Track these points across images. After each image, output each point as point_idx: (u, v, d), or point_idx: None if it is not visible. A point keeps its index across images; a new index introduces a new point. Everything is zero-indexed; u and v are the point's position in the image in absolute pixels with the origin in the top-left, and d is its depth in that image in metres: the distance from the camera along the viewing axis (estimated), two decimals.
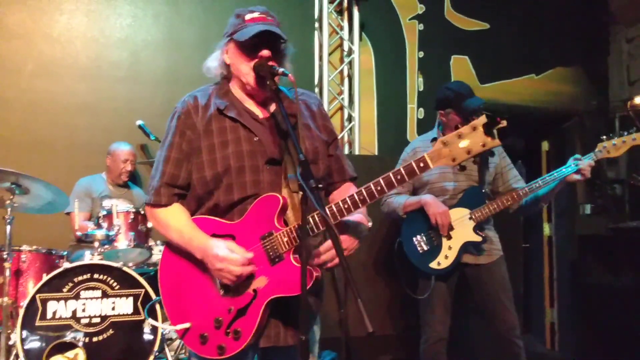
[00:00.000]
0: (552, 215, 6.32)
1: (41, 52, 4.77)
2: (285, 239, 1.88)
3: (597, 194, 5.82)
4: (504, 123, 3.33)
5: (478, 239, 3.38)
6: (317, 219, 1.87)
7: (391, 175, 1.83)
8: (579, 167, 3.27)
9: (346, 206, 1.86)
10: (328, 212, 1.82)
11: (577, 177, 3.29)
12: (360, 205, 1.87)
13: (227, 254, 1.86)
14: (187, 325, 1.94)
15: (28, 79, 4.72)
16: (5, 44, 4.69)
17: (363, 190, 1.85)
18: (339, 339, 3.38)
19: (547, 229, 6.34)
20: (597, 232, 5.69)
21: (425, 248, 3.45)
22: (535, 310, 6.33)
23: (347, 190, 2.12)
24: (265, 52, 1.95)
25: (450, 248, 3.40)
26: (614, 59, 6.30)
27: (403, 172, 1.82)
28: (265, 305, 1.87)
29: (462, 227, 3.38)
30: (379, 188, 1.84)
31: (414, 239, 3.48)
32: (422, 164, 1.80)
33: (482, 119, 1.73)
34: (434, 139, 3.59)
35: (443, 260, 3.40)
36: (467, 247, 3.41)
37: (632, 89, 6.08)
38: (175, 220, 1.99)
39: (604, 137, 3.28)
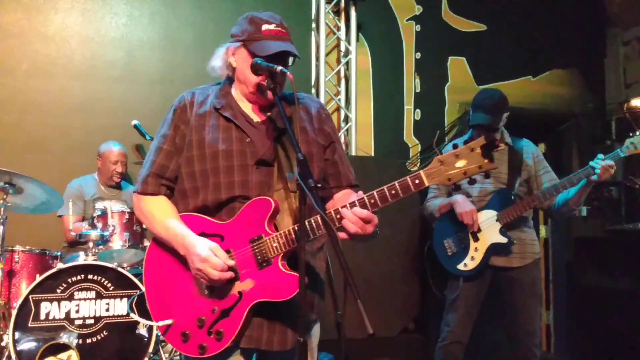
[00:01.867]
0: (548, 218, 6.32)
1: (36, 51, 4.74)
2: (274, 244, 1.85)
3: (593, 196, 5.79)
4: (502, 146, 3.40)
5: (504, 240, 3.40)
6: (313, 223, 1.82)
7: (385, 189, 1.79)
8: (596, 167, 3.18)
9: (338, 216, 1.79)
10: (326, 212, 1.77)
11: (594, 177, 3.20)
12: None
13: (209, 256, 1.83)
14: (169, 321, 1.93)
15: (23, 78, 4.69)
16: None
17: (356, 202, 1.79)
18: (336, 341, 3.35)
19: (543, 231, 6.33)
20: (593, 235, 5.68)
21: (454, 250, 3.51)
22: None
23: (345, 198, 2.05)
24: (278, 69, 1.90)
25: (476, 250, 3.43)
26: (610, 61, 6.30)
27: (398, 187, 1.78)
28: (250, 308, 1.86)
29: (489, 229, 3.42)
30: (372, 201, 1.79)
31: (444, 241, 3.56)
32: (417, 181, 1.77)
33: (480, 141, 1.72)
34: (466, 142, 3.56)
35: (469, 262, 3.44)
36: (495, 249, 3.42)
37: (628, 91, 6.08)
38: (161, 213, 1.98)
39: (636, 134, 3.19)
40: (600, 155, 3.23)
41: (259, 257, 1.87)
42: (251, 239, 1.88)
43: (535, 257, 3.52)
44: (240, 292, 1.87)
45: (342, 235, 1.77)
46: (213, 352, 1.87)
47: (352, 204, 1.78)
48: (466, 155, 1.72)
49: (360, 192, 1.82)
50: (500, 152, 3.54)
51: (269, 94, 1.91)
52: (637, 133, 3.22)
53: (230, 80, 2.10)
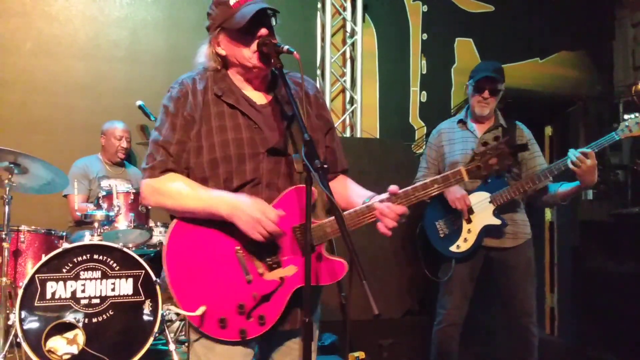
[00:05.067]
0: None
1: (40, 31, 4.72)
2: (321, 233, 1.87)
3: (600, 179, 5.76)
4: (530, 147, 3.52)
5: (497, 222, 3.39)
6: (334, 226, 1.86)
7: (429, 182, 1.96)
8: (572, 158, 3.14)
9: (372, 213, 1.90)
10: (334, 196, 1.74)
11: (574, 168, 3.16)
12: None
13: (265, 205, 1.80)
14: (203, 309, 1.86)
15: (26, 58, 4.68)
16: (3, 22, 4.63)
17: (402, 193, 1.91)
18: (340, 322, 3.38)
19: (548, 215, 6.32)
20: (599, 218, 5.66)
21: (446, 232, 3.51)
22: (535, 295, 6.33)
23: (344, 184, 2.14)
24: (263, 31, 1.90)
25: (469, 231, 3.42)
26: (619, 43, 6.24)
27: (440, 181, 1.96)
28: (292, 293, 1.87)
29: (482, 211, 3.40)
30: (416, 194, 1.92)
31: (436, 223, 3.55)
32: (458, 177, 1.95)
33: (510, 141, 1.97)
34: (460, 121, 3.62)
35: (462, 244, 3.44)
36: (488, 231, 3.41)
37: (637, 74, 6.02)
38: (185, 185, 1.87)
39: (628, 115, 3.18)
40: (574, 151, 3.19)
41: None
42: (294, 226, 1.88)
43: (527, 237, 3.51)
44: (282, 278, 1.87)
45: (382, 229, 1.89)
46: (254, 335, 1.87)
47: (398, 197, 1.91)
48: (498, 154, 1.94)
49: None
50: (493, 133, 3.51)
51: (273, 62, 1.87)
52: (633, 116, 3.18)
53: (224, 68, 2.04)
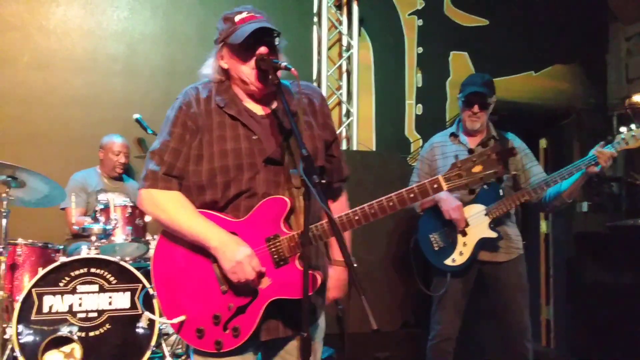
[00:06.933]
0: (549, 213, 6.33)
1: (37, 44, 4.73)
2: (292, 244, 1.87)
3: (595, 191, 5.82)
4: (518, 154, 3.44)
5: (493, 235, 3.35)
6: (320, 228, 1.87)
7: (404, 192, 1.86)
8: (597, 156, 3.13)
9: (357, 218, 1.87)
10: (331, 210, 1.77)
11: (596, 168, 3.15)
12: (371, 218, 1.88)
13: (253, 254, 1.85)
14: (182, 318, 1.92)
15: (24, 71, 4.68)
16: (0, 35, 4.64)
17: (375, 204, 1.87)
18: (336, 335, 3.37)
19: (544, 227, 6.34)
20: (594, 230, 5.68)
21: (441, 245, 3.46)
22: (531, 307, 6.33)
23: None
24: (262, 49, 1.94)
25: (465, 245, 3.39)
26: (612, 57, 6.30)
27: (416, 191, 1.85)
28: (266, 305, 1.88)
29: (478, 224, 3.36)
30: (390, 204, 1.86)
31: (430, 236, 3.50)
32: (435, 186, 1.84)
33: (496, 147, 1.81)
34: (452, 134, 3.61)
35: (458, 257, 3.40)
36: (483, 244, 3.38)
37: (630, 87, 6.08)
38: (182, 207, 1.93)
39: (624, 128, 3.17)
40: (598, 147, 3.18)
41: (276, 256, 1.88)
42: (267, 237, 1.89)
43: (520, 252, 3.50)
44: (256, 290, 1.88)
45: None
46: (230, 347, 1.89)
47: (371, 207, 1.86)
48: (483, 161, 1.80)
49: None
50: (486, 145, 3.48)
51: (271, 79, 1.90)
52: (629, 128, 3.18)
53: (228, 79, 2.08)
